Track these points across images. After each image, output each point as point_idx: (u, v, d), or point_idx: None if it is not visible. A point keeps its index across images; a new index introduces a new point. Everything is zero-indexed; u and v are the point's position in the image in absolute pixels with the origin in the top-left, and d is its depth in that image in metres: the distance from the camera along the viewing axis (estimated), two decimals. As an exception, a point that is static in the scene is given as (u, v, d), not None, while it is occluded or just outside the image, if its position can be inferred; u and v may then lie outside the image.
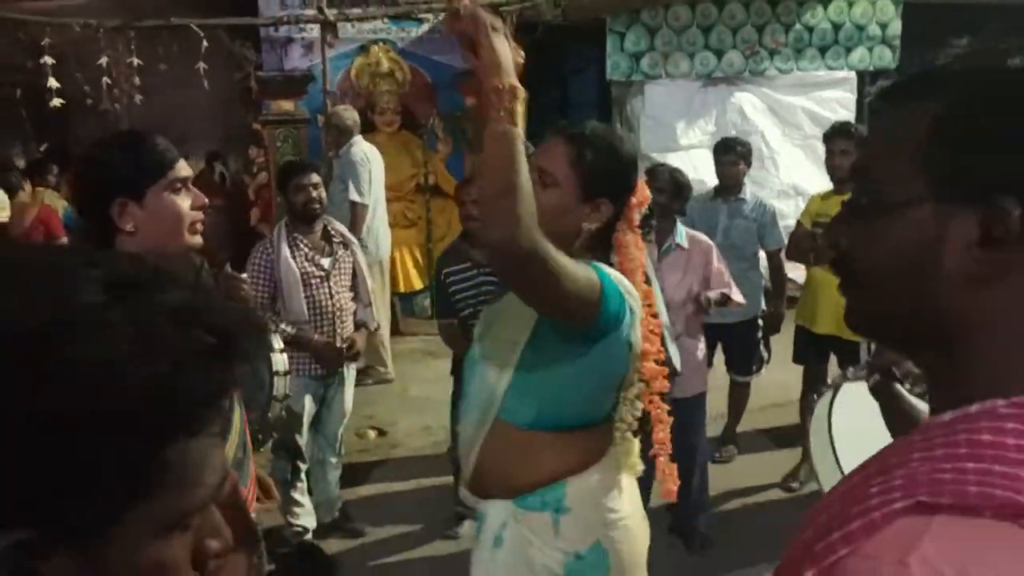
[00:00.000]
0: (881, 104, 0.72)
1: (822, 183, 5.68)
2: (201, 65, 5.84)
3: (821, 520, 0.64)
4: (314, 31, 6.62)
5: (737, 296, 3.49)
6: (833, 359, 4.08)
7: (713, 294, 3.44)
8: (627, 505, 1.84)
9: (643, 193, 1.84)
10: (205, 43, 5.75)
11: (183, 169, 1.66)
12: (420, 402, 5.18)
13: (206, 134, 8.30)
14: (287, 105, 6.93)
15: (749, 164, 4.39)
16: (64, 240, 5.24)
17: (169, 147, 1.65)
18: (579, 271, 1.57)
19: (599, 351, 1.69)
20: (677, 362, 2.72)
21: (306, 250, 3.61)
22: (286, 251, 3.56)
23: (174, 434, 0.56)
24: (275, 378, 2.56)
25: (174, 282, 0.59)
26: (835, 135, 3.96)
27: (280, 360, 2.62)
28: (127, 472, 0.54)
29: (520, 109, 1.44)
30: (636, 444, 1.89)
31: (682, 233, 3.55)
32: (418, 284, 6.93)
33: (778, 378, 4.65)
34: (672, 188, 3.49)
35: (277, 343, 2.68)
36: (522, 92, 1.45)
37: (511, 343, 1.72)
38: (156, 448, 0.55)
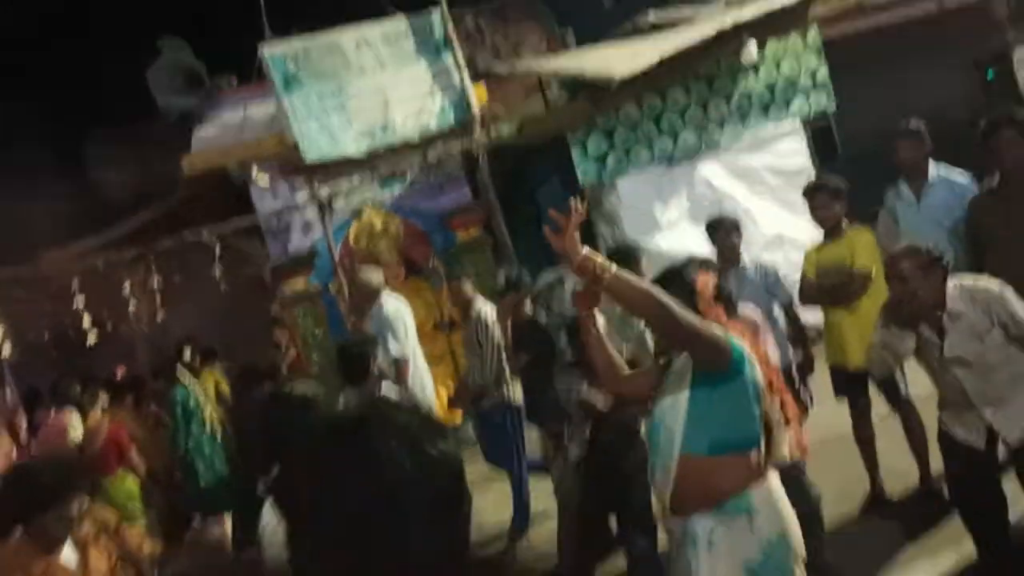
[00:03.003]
0: None
1: (800, 227, 6.11)
2: (217, 267, 6.36)
3: None
4: (308, 212, 7.17)
5: None
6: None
7: None
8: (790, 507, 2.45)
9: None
10: (219, 248, 6.28)
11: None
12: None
13: (225, 329, 8.72)
14: (299, 284, 7.42)
15: (741, 235, 4.65)
16: (135, 454, 5.63)
17: None
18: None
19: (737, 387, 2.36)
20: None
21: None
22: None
23: None
24: None
25: None
26: (814, 191, 4.40)
27: None
28: None
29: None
30: None
31: None
32: (459, 418, 7.08)
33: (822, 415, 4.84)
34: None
35: None
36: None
37: (676, 404, 2.38)
38: None
